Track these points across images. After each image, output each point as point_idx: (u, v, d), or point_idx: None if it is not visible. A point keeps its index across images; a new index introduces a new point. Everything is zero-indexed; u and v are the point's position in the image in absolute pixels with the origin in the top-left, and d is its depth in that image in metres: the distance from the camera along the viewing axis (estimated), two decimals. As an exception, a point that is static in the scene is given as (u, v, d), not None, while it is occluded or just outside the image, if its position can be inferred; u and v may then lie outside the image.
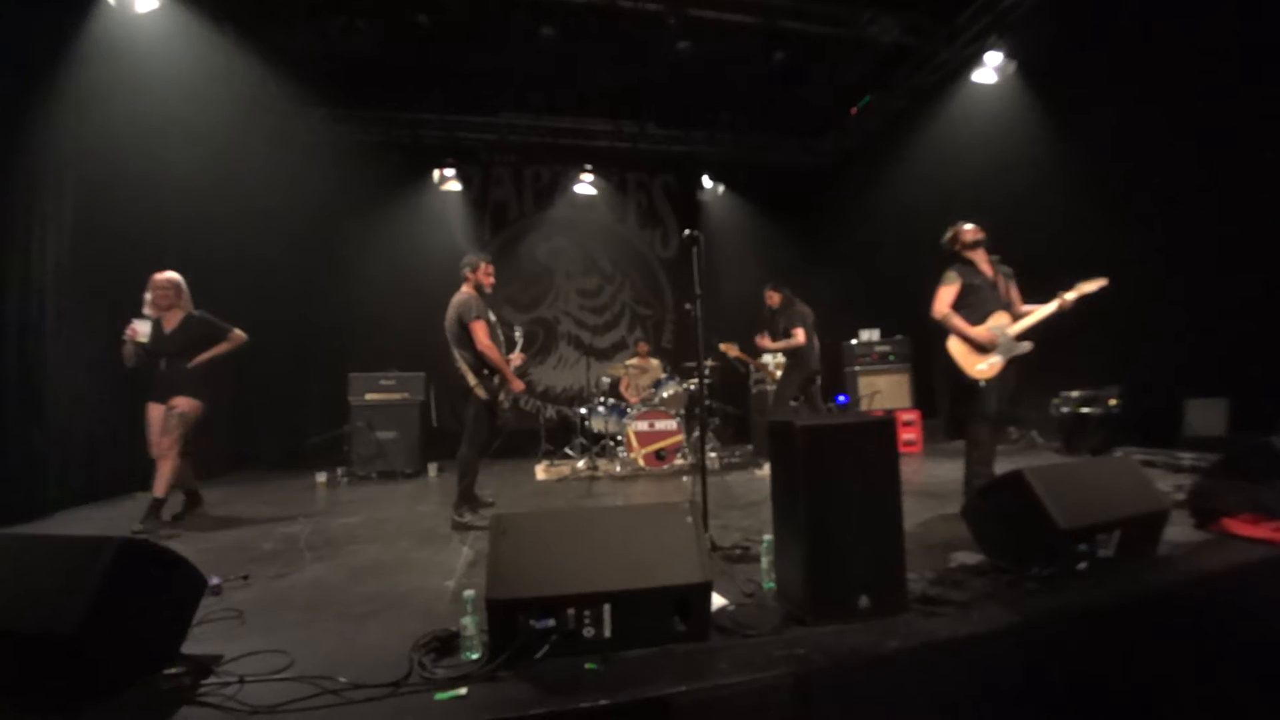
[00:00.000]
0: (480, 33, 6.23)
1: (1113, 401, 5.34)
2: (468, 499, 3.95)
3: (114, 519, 4.64)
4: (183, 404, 4.01)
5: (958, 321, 3.66)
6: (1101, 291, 3.65)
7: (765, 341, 5.70)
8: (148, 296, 4.11)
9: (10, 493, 4.32)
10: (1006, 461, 4.58)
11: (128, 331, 4.00)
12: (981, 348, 3.64)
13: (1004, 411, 3.75)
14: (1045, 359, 5.79)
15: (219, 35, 5.57)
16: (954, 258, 3.85)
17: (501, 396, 4.06)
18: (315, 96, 6.90)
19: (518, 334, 4.72)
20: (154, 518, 3.92)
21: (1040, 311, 3.68)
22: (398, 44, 6.23)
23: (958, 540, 2.82)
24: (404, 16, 5.68)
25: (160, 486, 3.93)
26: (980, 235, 3.81)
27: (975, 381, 3.65)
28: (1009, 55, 6.10)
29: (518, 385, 4.09)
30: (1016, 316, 3.71)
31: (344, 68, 6.63)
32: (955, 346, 3.71)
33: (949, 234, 3.90)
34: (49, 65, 4.70)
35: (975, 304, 3.68)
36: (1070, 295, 3.62)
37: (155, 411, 4.02)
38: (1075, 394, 5.58)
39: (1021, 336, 3.67)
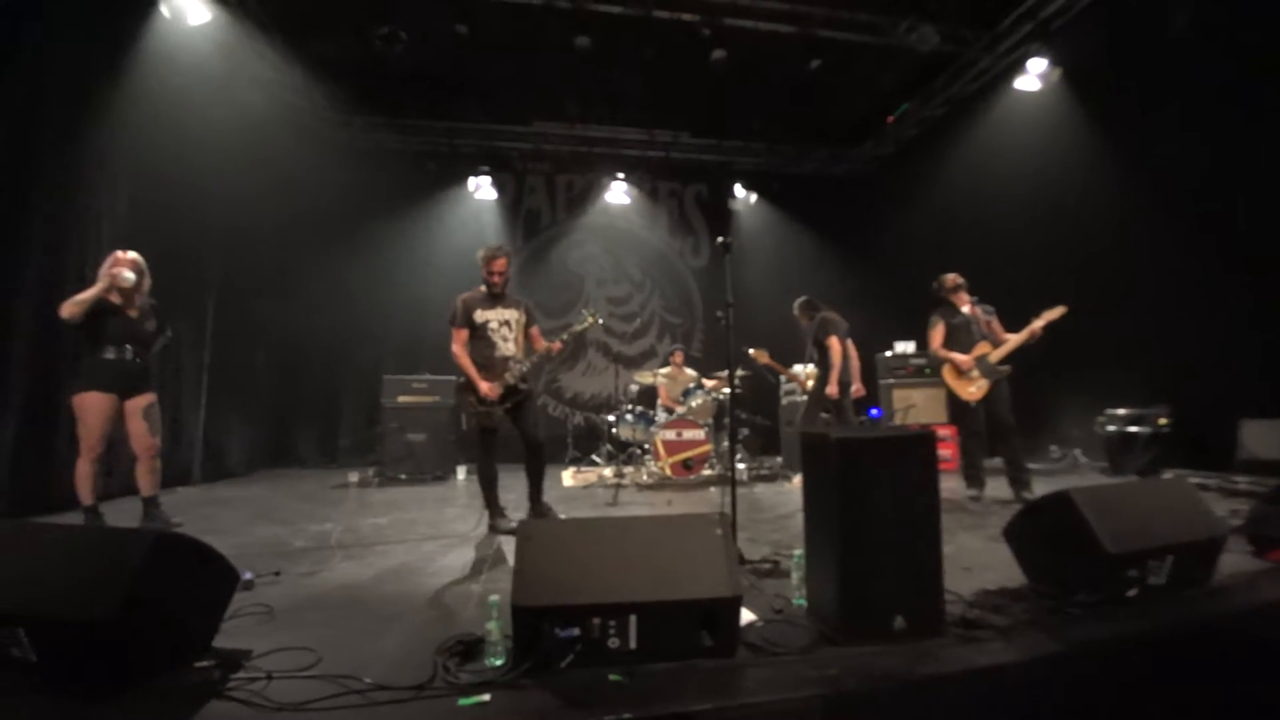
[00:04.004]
0: (517, 43, 6.32)
1: (1162, 421, 5.10)
2: (490, 507, 3.90)
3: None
4: (153, 397, 3.94)
5: (947, 354, 4.61)
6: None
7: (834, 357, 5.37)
8: (129, 275, 3.76)
9: (56, 482, 4.48)
10: (1049, 482, 4.45)
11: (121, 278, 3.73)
12: (968, 373, 4.53)
13: (1005, 422, 4.46)
14: (1090, 375, 5.63)
15: (265, 47, 5.75)
16: (940, 301, 4.77)
17: (471, 399, 3.86)
18: (355, 106, 7.09)
19: (589, 315, 4.17)
20: (158, 512, 4.01)
21: (1015, 340, 4.47)
22: (437, 54, 6.36)
23: (998, 562, 2.72)
24: (443, 27, 5.80)
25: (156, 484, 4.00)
26: (960, 280, 4.75)
27: (966, 403, 4.56)
28: (1054, 62, 5.94)
29: (483, 388, 3.80)
30: (997, 345, 4.53)
31: (384, 77, 6.78)
32: (949, 376, 4.65)
33: (935, 283, 4.82)
34: (107, 76, 4.91)
35: (959, 338, 4.63)
36: (1038, 324, 4.36)
37: (134, 407, 3.83)
38: (1122, 412, 5.35)
39: (1003, 361, 4.50)
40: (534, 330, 4.09)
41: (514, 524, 3.71)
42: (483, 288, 3.98)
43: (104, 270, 3.81)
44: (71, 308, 3.66)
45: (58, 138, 4.52)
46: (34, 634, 1.70)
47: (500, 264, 3.93)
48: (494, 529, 3.81)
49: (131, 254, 3.93)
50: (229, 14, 5.42)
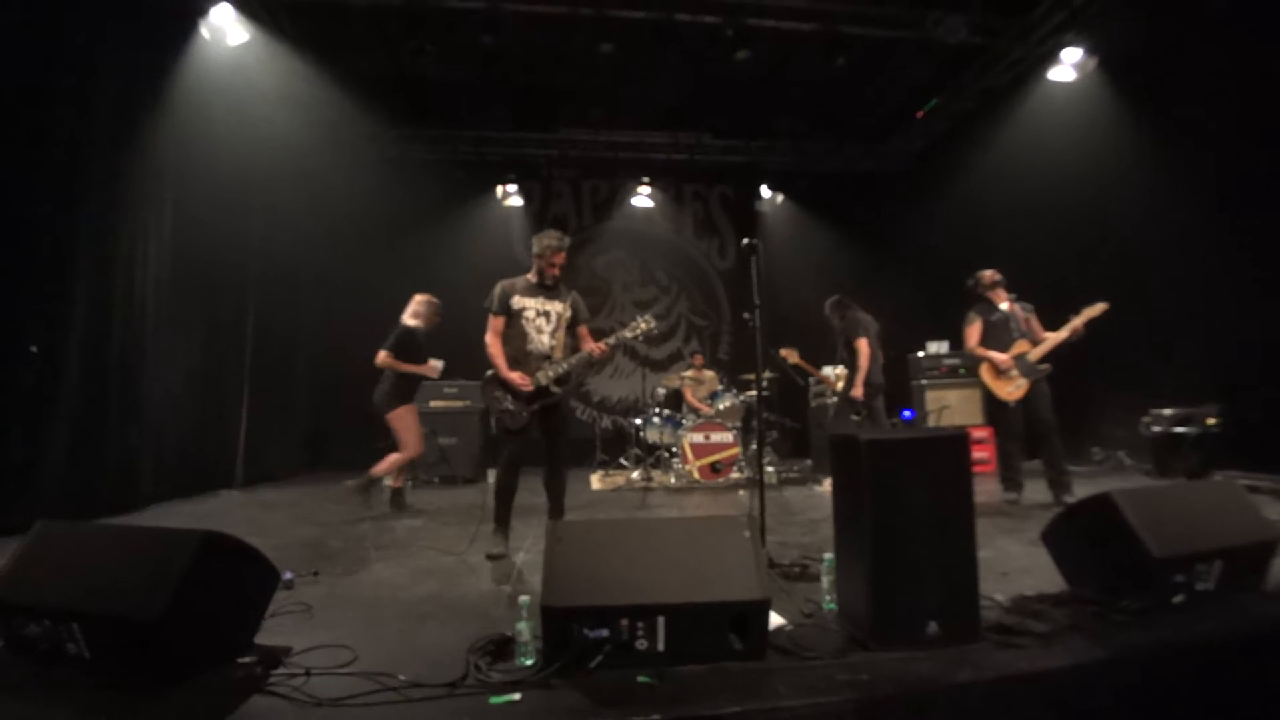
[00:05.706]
0: (541, 51, 6.40)
1: (1211, 420, 4.89)
2: (496, 521, 3.41)
3: (202, 513, 4.96)
4: None
5: (984, 352, 4.45)
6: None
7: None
8: (439, 367, 4.89)
9: (109, 487, 4.68)
10: (1091, 484, 4.30)
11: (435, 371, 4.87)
12: (1007, 372, 4.36)
13: (1045, 422, 4.33)
14: (1134, 373, 5.43)
15: (299, 64, 5.92)
16: (977, 298, 4.62)
17: (498, 394, 3.49)
18: (386, 118, 7.25)
19: (642, 321, 3.70)
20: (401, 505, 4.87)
21: (1055, 338, 4.33)
22: (463, 64, 6.48)
23: (1037, 567, 2.65)
24: (469, 38, 5.90)
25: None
26: (998, 277, 4.59)
27: (1004, 403, 4.41)
28: (1089, 51, 5.77)
29: (514, 378, 3.42)
30: (1037, 343, 4.39)
31: (412, 90, 6.93)
32: (987, 375, 4.48)
33: (972, 279, 4.67)
34: (151, 96, 5.12)
35: (997, 336, 4.46)
36: (1079, 321, 4.24)
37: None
38: (1168, 412, 5.13)
39: (1043, 359, 4.36)
40: (582, 329, 3.64)
41: (503, 552, 3.29)
42: (530, 276, 3.60)
43: (414, 309, 4.93)
44: (392, 365, 4.66)
45: (106, 155, 4.72)
46: (88, 630, 1.78)
47: (563, 257, 3.57)
48: (489, 555, 3.29)
49: (434, 299, 5.02)
50: (265, 34, 5.61)
